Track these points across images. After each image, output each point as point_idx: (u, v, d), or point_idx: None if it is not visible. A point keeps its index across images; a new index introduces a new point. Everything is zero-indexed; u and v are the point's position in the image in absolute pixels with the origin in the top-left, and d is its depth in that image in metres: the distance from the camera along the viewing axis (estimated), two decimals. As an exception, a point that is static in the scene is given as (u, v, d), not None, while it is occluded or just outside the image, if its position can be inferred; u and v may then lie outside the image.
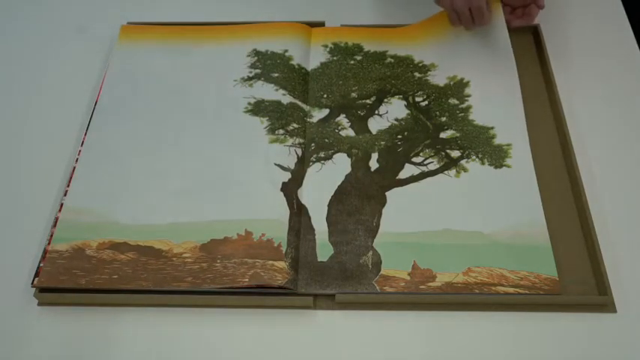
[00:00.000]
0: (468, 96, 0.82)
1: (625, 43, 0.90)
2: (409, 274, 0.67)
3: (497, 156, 0.76)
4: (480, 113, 0.80)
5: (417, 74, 0.85)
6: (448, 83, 0.83)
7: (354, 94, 0.83)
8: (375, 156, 0.77)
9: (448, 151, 0.77)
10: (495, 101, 0.81)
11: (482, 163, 0.75)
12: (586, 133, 0.79)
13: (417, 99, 0.82)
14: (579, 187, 0.73)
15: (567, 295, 0.66)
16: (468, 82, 0.83)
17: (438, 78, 0.84)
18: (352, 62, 0.86)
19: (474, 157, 0.76)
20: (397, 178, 0.75)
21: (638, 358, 0.63)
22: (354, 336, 0.65)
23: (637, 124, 0.81)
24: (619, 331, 0.65)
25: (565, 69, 0.86)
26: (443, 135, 0.78)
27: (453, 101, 0.81)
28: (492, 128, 0.78)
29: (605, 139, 0.79)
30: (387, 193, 0.73)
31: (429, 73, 0.85)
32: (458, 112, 0.80)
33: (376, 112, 0.81)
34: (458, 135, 0.78)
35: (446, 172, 0.75)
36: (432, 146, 0.77)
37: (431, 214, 0.72)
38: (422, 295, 0.66)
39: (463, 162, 0.76)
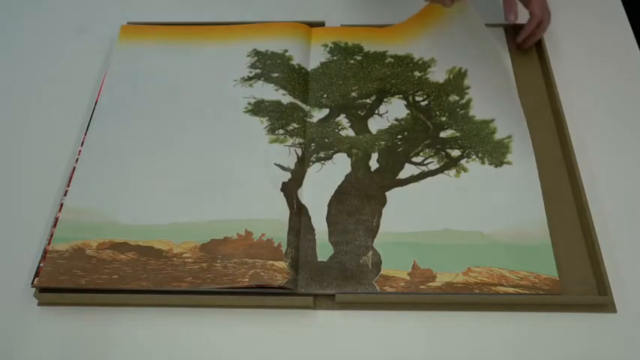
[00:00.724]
0: (468, 88, 0.82)
1: (625, 43, 0.90)
2: (409, 274, 0.67)
3: (497, 153, 0.76)
4: (480, 106, 0.80)
5: (417, 73, 0.85)
6: (448, 77, 0.83)
7: (354, 94, 0.83)
8: (375, 156, 0.77)
9: (448, 150, 0.77)
10: (493, 90, 0.80)
11: (483, 163, 0.75)
12: (586, 133, 0.79)
13: (417, 98, 0.82)
14: (579, 187, 0.73)
15: (567, 295, 0.66)
16: (465, 71, 0.83)
17: (438, 74, 0.84)
18: (352, 62, 0.86)
19: (474, 156, 0.76)
20: (397, 178, 0.75)
21: (638, 358, 0.63)
22: (354, 336, 0.65)
23: (637, 124, 0.81)
24: (619, 331, 0.65)
25: (565, 69, 0.86)
26: (443, 134, 0.78)
27: (454, 98, 0.81)
28: (492, 121, 0.78)
29: (605, 139, 0.79)
30: (387, 193, 0.73)
31: (429, 69, 0.84)
32: (458, 109, 0.80)
33: (376, 111, 0.81)
34: (458, 134, 0.78)
35: (446, 172, 0.75)
36: (432, 146, 0.77)
37: (431, 214, 0.72)
38: (422, 295, 0.66)
39: (463, 162, 0.76)
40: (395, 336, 0.65)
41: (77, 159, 0.77)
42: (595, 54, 0.89)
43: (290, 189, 0.73)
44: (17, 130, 0.83)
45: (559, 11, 0.93)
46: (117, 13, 0.94)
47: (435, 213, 0.72)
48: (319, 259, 0.68)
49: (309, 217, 0.72)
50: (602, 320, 0.65)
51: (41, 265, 0.67)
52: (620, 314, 0.65)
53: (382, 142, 0.78)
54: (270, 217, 0.71)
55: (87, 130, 0.80)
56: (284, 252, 0.68)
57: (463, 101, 0.81)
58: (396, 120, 0.80)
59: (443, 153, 0.77)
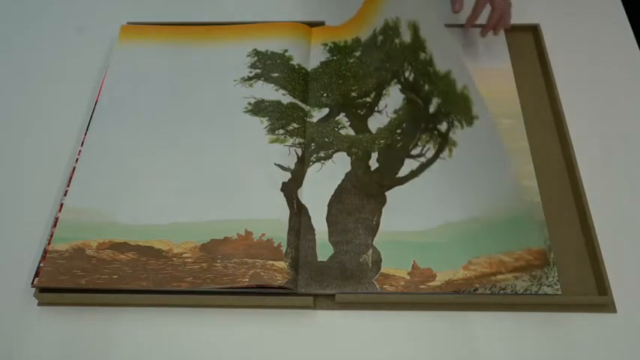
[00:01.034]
0: (425, 41, 0.79)
1: (625, 43, 0.90)
2: (409, 274, 0.67)
3: (465, 108, 0.73)
4: (437, 58, 0.77)
5: (396, 40, 0.83)
6: (411, 34, 0.81)
7: (353, 94, 0.83)
8: (374, 155, 0.77)
9: (438, 127, 0.76)
10: (438, 40, 0.78)
11: (462, 127, 0.74)
12: (586, 132, 0.79)
13: (406, 74, 0.80)
14: (579, 187, 0.73)
15: (567, 295, 0.66)
16: (417, 22, 0.80)
17: (405, 33, 0.82)
18: (352, 60, 0.86)
19: (456, 123, 0.74)
20: (397, 176, 0.75)
21: (638, 358, 0.63)
22: (354, 336, 0.65)
23: (637, 124, 0.81)
24: (619, 331, 0.65)
25: (565, 69, 0.86)
26: (431, 109, 0.77)
27: (422, 55, 0.79)
28: (450, 72, 0.76)
29: (605, 139, 0.79)
30: (386, 193, 0.73)
31: (400, 30, 0.82)
32: (429, 67, 0.78)
33: (376, 108, 0.81)
34: (440, 101, 0.76)
35: (441, 156, 0.74)
36: (426, 129, 0.76)
37: (429, 211, 0.71)
38: (422, 295, 0.66)
39: (451, 134, 0.74)
40: (395, 336, 0.65)
41: (77, 159, 0.77)
42: (595, 54, 0.89)
43: (290, 189, 0.73)
44: (17, 130, 0.83)
45: (559, 11, 0.94)
46: (117, 13, 0.94)
47: (433, 208, 0.71)
48: (319, 259, 0.68)
49: (309, 217, 0.72)
50: (602, 320, 0.65)
51: (41, 265, 0.67)
52: (620, 314, 0.66)
53: (382, 141, 0.78)
54: (270, 217, 0.71)
55: (87, 130, 0.80)
56: (284, 252, 0.68)
57: (428, 56, 0.78)
58: (394, 112, 0.79)
59: (435, 132, 0.76)
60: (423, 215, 0.71)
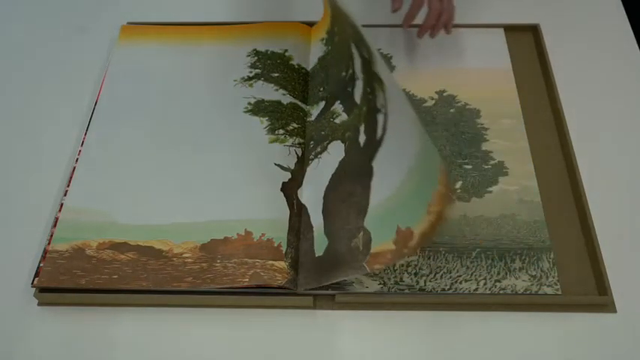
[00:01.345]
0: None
1: (625, 43, 0.90)
2: (394, 242, 0.64)
3: (365, 43, 0.67)
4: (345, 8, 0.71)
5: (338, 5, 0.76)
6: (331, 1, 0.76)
7: (343, 73, 0.79)
8: (362, 128, 0.73)
9: (373, 69, 0.69)
10: None
11: (371, 66, 0.68)
12: (586, 133, 0.79)
13: (347, 30, 0.74)
14: (579, 187, 0.73)
15: (567, 295, 0.66)
16: None
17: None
18: (336, 39, 0.83)
19: (372, 59, 0.68)
20: (376, 139, 0.70)
21: (638, 358, 0.63)
22: (354, 336, 0.65)
23: (637, 123, 0.81)
24: (619, 331, 0.65)
25: (565, 69, 0.86)
26: (365, 54, 0.70)
27: (341, 10, 0.72)
28: (347, 16, 0.69)
29: (605, 139, 0.79)
30: (372, 164, 0.69)
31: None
32: (347, 18, 0.71)
33: (355, 77, 0.75)
34: (363, 47, 0.70)
35: (386, 97, 0.68)
36: (372, 76, 0.70)
37: (401, 164, 0.67)
38: (422, 296, 0.66)
39: (377, 72, 0.68)
40: (395, 336, 0.65)
41: (77, 159, 0.77)
42: (595, 54, 0.89)
43: (290, 189, 0.73)
44: (17, 130, 0.83)
45: (559, 11, 0.94)
46: (117, 13, 0.94)
47: (400, 155, 0.67)
48: (317, 255, 0.68)
49: (309, 216, 0.72)
50: (602, 320, 0.65)
51: (41, 265, 0.67)
52: (620, 314, 0.66)
53: (364, 108, 0.73)
54: (270, 217, 0.71)
55: (87, 130, 0.80)
56: (284, 252, 0.68)
57: (343, 9, 0.71)
58: (361, 72, 0.74)
59: (375, 76, 0.69)
60: (398, 170, 0.67)
